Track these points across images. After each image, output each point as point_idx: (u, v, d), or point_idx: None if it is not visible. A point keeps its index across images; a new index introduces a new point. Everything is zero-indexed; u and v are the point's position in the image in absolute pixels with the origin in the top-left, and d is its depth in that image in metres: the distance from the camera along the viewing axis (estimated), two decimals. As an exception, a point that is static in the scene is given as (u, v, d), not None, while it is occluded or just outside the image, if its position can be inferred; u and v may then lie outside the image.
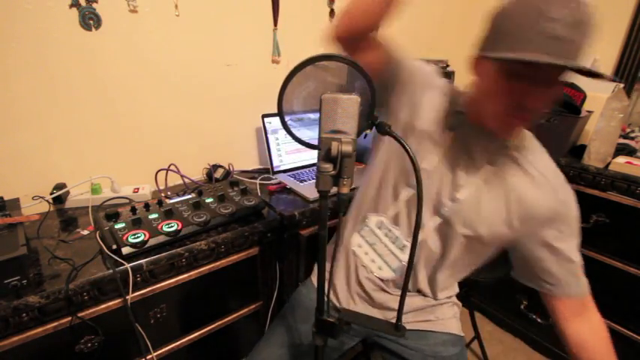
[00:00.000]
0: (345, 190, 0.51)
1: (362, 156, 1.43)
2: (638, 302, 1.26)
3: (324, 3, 1.45)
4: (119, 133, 1.12)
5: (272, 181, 1.24)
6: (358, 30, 0.71)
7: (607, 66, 1.58)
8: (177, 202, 0.96)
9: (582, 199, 1.32)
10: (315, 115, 0.51)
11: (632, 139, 1.42)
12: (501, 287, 1.60)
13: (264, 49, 1.35)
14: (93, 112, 1.05)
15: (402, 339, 0.82)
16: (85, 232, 0.91)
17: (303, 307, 0.86)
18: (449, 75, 1.42)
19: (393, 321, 0.58)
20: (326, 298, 0.59)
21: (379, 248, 0.78)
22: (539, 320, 1.48)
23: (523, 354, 1.58)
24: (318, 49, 0.51)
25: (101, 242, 0.81)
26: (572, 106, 1.36)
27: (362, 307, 0.82)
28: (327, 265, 0.58)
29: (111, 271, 0.75)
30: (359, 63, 0.52)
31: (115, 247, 0.79)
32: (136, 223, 0.84)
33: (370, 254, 0.79)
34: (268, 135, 1.29)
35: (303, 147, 0.58)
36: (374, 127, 0.56)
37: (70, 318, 0.73)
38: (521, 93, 0.56)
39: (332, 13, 1.47)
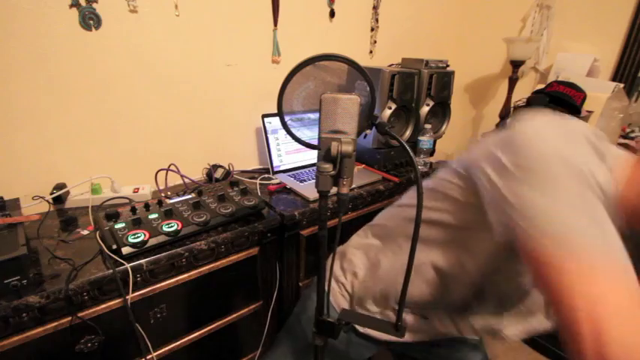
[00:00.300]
0: (345, 190, 0.51)
1: (362, 156, 1.43)
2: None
3: (324, 3, 1.45)
4: (119, 133, 1.12)
5: (272, 181, 1.24)
6: None
7: (607, 66, 1.58)
8: (177, 202, 0.96)
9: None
10: (315, 115, 0.51)
11: (632, 139, 1.42)
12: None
13: (264, 49, 1.35)
14: (93, 112, 1.06)
15: (434, 348, 0.80)
16: (85, 232, 0.91)
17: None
18: (449, 75, 1.42)
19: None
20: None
21: None
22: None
23: (523, 354, 1.58)
24: (318, 49, 0.52)
25: (101, 242, 0.81)
26: (572, 106, 1.35)
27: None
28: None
29: (111, 271, 0.75)
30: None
31: (115, 247, 0.79)
32: (136, 223, 0.84)
33: None
34: (268, 135, 1.29)
35: (303, 147, 0.58)
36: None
37: (70, 318, 0.73)
38: None
39: (332, 13, 1.47)
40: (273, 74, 1.38)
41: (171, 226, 0.86)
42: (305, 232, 1.09)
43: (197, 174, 1.26)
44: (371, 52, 1.71)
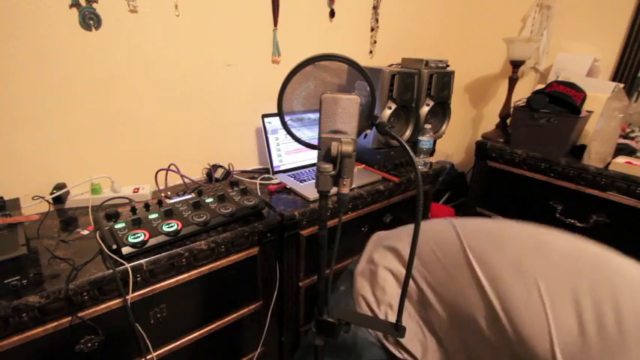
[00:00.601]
0: (345, 190, 0.51)
1: (362, 156, 1.43)
2: (638, 302, 1.26)
3: (324, 3, 1.45)
4: (119, 133, 1.12)
5: (272, 181, 1.24)
6: None
7: (607, 66, 1.58)
8: (177, 202, 0.96)
9: (582, 199, 1.33)
10: (315, 115, 0.51)
11: (632, 139, 1.42)
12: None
13: (264, 49, 1.35)
14: (93, 112, 1.06)
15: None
16: (85, 232, 0.91)
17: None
18: (449, 75, 1.42)
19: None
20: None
21: None
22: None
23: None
24: (318, 49, 0.52)
25: (101, 242, 0.81)
26: (572, 106, 1.35)
27: None
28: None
29: (111, 271, 0.75)
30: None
31: (115, 247, 0.79)
32: (136, 223, 0.84)
33: None
34: (268, 135, 1.29)
35: (303, 147, 0.58)
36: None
37: (70, 318, 0.73)
38: None
39: (332, 13, 1.47)
40: (273, 74, 1.38)
41: (171, 226, 0.86)
42: (305, 232, 1.09)
43: (197, 174, 1.26)
44: (371, 52, 1.71)
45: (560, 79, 1.58)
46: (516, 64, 1.63)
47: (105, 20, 1.00)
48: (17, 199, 0.90)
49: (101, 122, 1.08)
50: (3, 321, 0.66)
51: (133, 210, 0.89)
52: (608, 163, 1.28)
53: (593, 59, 1.56)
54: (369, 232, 1.30)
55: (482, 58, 2.02)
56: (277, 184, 1.21)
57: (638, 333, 0.46)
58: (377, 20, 1.66)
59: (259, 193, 1.16)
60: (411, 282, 0.73)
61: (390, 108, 1.27)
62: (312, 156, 1.42)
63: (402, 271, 0.76)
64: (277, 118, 0.60)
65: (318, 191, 0.51)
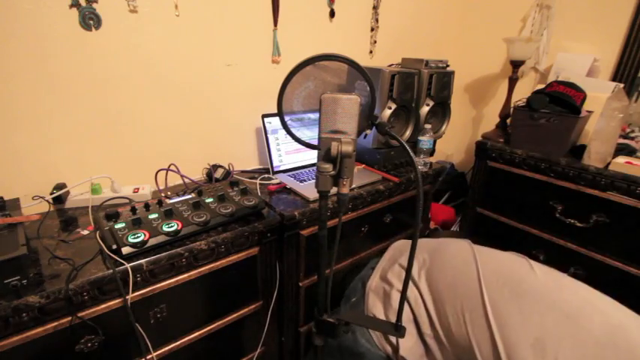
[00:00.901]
0: (345, 190, 0.51)
1: (362, 156, 1.43)
2: (638, 302, 1.26)
3: (324, 3, 1.45)
4: (119, 133, 1.12)
5: (272, 181, 1.24)
6: None
7: (607, 66, 1.58)
8: (177, 202, 0.96)
9: (582, 199, 1.33)
10: (315, 115, 0.51)
11: (632, 139, 1.42)
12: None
13: (264, 49, 1.35)
14: (93, 112, 1.06)
15: None
16: (85, 232, 0.91)
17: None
18: (449, 75, 1.42)
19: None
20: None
21: None
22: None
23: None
24: (318, 49, 0.52)
25: (101, 242, 0.81)
26: (572, 106, 1.35)
27: None
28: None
29: (111, 271, 0.75)
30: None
31: (115, 247, 0.79)
32: (136, 223, 0.84)
33: None
34: (268, 135, 1.29)
35: (303, 147, 0.58)
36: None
37: (70, 318, 0.73)
38: None
39: (332, 13, 1.47)
40: (273, 74, 1.38)
41: (171, 226, 0.86)
42: (305, 232, 1.09)
43: (197, 174, 1.26)
44: (371, 52, 1.71)
45: (560, 79, 1.58)
46: (516, 64, 1.63)
47: (105, 20, 0.99)
48: (17, 199, 0.90)
49: (101, 122, 1.08)
50: (3, 321, 0.66)
51: (133, 210, 0.89)
52: (608, 163, 1.28)
53: (593, 59, 1.56)
54: (369, 232, 1.31)
55: (482, 58, 2.02)
56: (277, 184, 1.21)
57: None
58: (377, 20, 1.66)
59: (259, 193, 1.16)
60: (425, 315, 0.71)
61: (390, 108, 1.27)
62: (312, 156, 1.42)
63: (415, 295, 0.75)
64: (277, 118, 0.60)
65: (318, 191, 0.51)
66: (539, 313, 0.57)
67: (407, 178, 1.33)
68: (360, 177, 1.28)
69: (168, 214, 0.89)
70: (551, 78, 1.67)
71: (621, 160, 1.26)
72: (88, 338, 0.77)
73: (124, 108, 1.10)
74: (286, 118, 0.56)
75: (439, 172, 1.50)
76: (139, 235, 0.81)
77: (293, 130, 0.58)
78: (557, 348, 0.52)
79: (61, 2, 0.93)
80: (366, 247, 1.36)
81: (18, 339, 0.69)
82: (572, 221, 1.37)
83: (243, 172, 1.36)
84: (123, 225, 0.83)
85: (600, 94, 1.41)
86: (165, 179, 1.12)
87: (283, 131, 0.58)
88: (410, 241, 0.86)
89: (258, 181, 1.22)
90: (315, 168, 0.64)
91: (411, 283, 0.76)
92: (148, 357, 0.88)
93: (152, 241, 0.82)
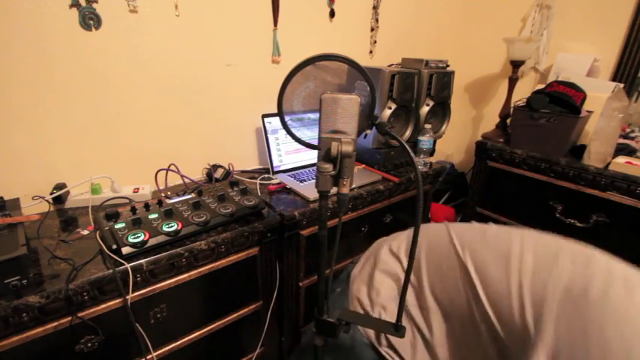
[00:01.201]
0: (345, 190, 0.51)
1: (362, 156, 1.43)
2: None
3: (324, 3, 1.45)
4: (119, 133, 1.12)
5: (272, 181, 1.24)
6: None
7: (607, 66, 1.58)
8: (177, 202, 0.96)
9: (582, 199, 1.33)
10: (315, 115, 0.51)
11: (632, 139, 1.42)
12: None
13: (264, 49, 1.35)
14: (93, 112, 1.06)
15: None
16: (85, 232, 0.91)
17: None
18: (449, 75, 1.42)
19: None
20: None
21: None
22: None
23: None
24: (318, 49, 0.51)
25: (101, 242, 0.81)
26: (572, 106, 1.35)
27: None
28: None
29: (111, 271, 0.75)
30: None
31: (115, 247, 0.79)
32: (136, 223, 0.84)
33: None
34: (268, 135, 1.29)
35: (303, 147, 0.58)
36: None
37: (70, 318, 0.73)
38: None
39: (332, 13, 1.47)
40: (273, 74, 1.38)
41: (171, 226, 0.86)
42: (305, 232, 1.09)
43: (197, 174, 1.26)
44: (371, 52, 1.71)
45: (560, 79, 1.58)
46: (516, 64, 1.63)
47: (105, 20, 1.00)
48: (17, 199, 0.90)
49: (101, 122, 1.08)
50: (3, 321, 0.66)
51: (133, 210, 0.89)
52: (608, 163, 1.28)
53: (593, 59, 1.56)
54: (369, 232, 1.31)
55: (482, 58, 2.02)
56: (277, 184, 1.21)
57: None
58: (377, 20, 1.66)
59: (259, 193, 1.16)
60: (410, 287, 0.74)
61: (390, 108, 1.27)
62: (312, 156, 1.42)
63: (399, 272, 0.78)
64: (277, 118, 0.60)
65: (318, 191, 0.51)
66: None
67: (407, 178, 1.33)
68: (360, 177, 1.28)
69: (169, 214, 0.89)
70: (551, 78, 1.67)
71: (621, 160, 1.26)
72: (88, 338, 0.77)
73: (124, 108, 1.10)
74: (286, 118, 0.56)
75: (439, 172, 1.50)
76: (139, 235, 0.81)
77: (293, 130, 0.58)
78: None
79: (61, 2, 0.93)
80: (366, 247, 1.35)
81: (18, 339, 0.69)
82: (572, 221, 1.37)
83: (243, 172, 1.36)
84: (123, 225, 0.83)
85: (600, 94, 1.41)
86: (166, 179, 1.12)
87: (283, 131, 0.58)
88: (389, 236, 0.89)
89: (258, 181, 1.22)
90: (315, 168, 0.63)
91: (395, 261, 0.80)
92: (148, 357, 0.88)
93: (152, 241, 0.82)
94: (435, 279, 0.72)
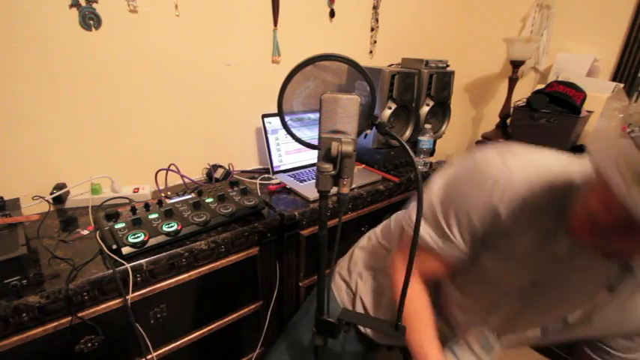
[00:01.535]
0: (345, 190, 0.51)
1: (362, 156, 1.43)
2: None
3: (324, 3, 1.45)
4: (119, 133, 1.12)
5: (272, 181, 1.24)
6: None
7: (607, 66, 1.58)
8: (177, 202, 0.96)
9: (582, 199, 1.33)
10: (315, 115, 0.51)
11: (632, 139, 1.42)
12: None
13: (264, 49, 1.35)
14: (93, 112, 1.06)
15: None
16: (85, 232, 0.91)
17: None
18: (449, 75, 1.41)
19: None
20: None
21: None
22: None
23: (523, 354, 1.58)
24: (318, 49, 0.51)
25: (101, 242, 0.81)
26: (572, 106, 1.36)
27: None
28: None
29: (111, 271, 0.75)
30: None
31: (115, 247, 0.79)
32: (136, 223, 0.84)
33: None
34: (268, 135, 1.29)
35: (303, 147, 0.58)
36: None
37: (70, 318, 0.73)
38: None
39: (332, 13, 1.47)
40: (273, 74, 1.38)
41: (171, 226, 0.86)
42: (305, 232, 1.09)
43: (197, 174, 1.26)
44: (371, 52, 1.71)
45: (560, 79, 1.58)
46: (516, 64, 1.63)
47: (105, 20, 0.99)
48: (17, 199, 0.90)
49: (101, 122, 1.08)
50: (3, 321, 0.66)
51: (133, 210, 0.89)
52: (608, 163, 1.28)
53: (593, 59, 1.56)
54: (369, 232, 1.31)
55: (482, 58, 2.02)
56: (277, 184, 1.21)
57: None
58: (377, 20, 1.66)
59: (259, 193, 1.16)
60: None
61: (390, 108, 1.27)
62: (312, 156, 1.42)
63: (374, 243, 0.90)
64: (277, 118, 0.60)
65: (318, 191, 0.51)
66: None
67: (407, 178, 1.33)
68: (360, 177, 1.28)
69: (168, 214, 0.89)
70: (551, 78, 1.67)
71: (621, 160, 1.26)
72: (88, 338, 0.77)
73: (124, 108, 1.10)
74: (286, 118, 0.56)
75: (439, 172, 1.50)
76: (138, 235, 0.81)
77: (293, 130, 0.58)
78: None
79: (61, 2, 0.93)
80: (366, 247, 1.36)
81: (18, 339, 0.69)
82: (572, 221, 1.37)
83: (243, 172, 1.36)
84: (123, 225, 0.83)
85: (600, 94, 1.41)
86: (165, 179, 1.12)
87: (283, 131, 0.58)
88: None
89: (258, 181, 1.22)
90: (315, 168, 0.63)
91: (372, 239, 0.93)
92: (148, 357, 0.88)
93: (152, 241, 0.82)
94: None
